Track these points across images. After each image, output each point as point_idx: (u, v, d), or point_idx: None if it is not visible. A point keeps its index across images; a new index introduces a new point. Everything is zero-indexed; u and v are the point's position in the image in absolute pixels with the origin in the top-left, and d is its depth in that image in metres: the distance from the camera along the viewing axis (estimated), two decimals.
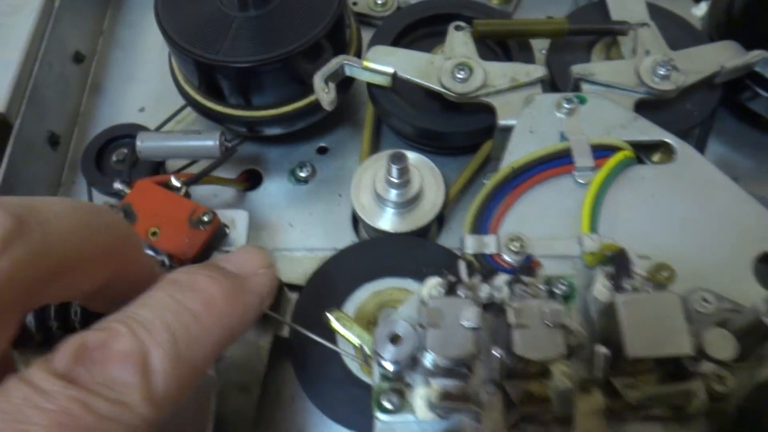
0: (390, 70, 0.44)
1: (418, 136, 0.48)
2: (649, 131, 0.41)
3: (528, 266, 0.35)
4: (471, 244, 0.37)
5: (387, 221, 0.43)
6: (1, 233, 0.20)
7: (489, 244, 0.37)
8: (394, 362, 0.31)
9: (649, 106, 0.45)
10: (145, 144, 0.44)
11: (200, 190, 0.49)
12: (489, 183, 0.39)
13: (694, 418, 0.33)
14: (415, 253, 0.41)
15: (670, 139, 0.41)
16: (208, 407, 0.34)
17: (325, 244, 0.46)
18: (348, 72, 0.45)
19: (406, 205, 0.42)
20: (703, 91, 0.46)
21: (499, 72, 0.44)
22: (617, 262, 0.33)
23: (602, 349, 0.29)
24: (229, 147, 0.44)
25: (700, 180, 0.40)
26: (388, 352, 0.30)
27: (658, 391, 0.30)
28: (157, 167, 0.48)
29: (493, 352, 0.30)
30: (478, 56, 0.45)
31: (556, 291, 0.35)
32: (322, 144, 0.51)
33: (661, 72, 0.43)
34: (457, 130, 0.46)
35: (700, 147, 0.48)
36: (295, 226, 0.48)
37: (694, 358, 0.29)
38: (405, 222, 0.43)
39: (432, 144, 0.49)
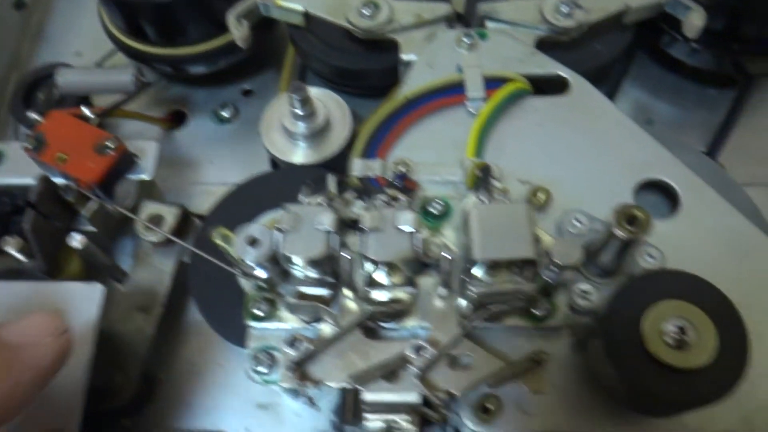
0: (300, 8, 0.45)
1: (337, 76, 0.49)
2: (546, 65, 0.42)
3: (401, 183, 0.36)
4: (357, 167, 0.38)
5: (299, 155, 0.44)
6: None
7: (374, 167, 0.38)
8: (257, 264, 0.32)
9: (559, 47, 0.45)
10: (64, 78, 0.45)
11: (127, 128, 0.50)
12: (380, 110, 0.40)
13: (556, 330, 0.34)
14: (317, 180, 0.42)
15: (565, 72, 0.42)
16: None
17: (243, 180, 0.47)
18: (263, 11, 0.46)
19: (314, 137, 0.43)
20: (614, 33, 0.46)
21: (406, 9, 0.45)
22: (480, 177, 0.34)
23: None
24: (143, 82, 0.46)
25: (590, 111, 0.40)
26: (248, 254, 0.31)
27: (497, 289, 0.31)
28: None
29: (342, 254, 0.31)
30: None
31: (432, 210, 0.36)
32: (247, 87, 0.53)
33: (564, 10, 0.43)
34: (372, 67, 0.47)
35: (613, 89, 0.49)
36: (215, 162, 0.49)
37: (534, 262, 0.30)
38: (315, 153, 0.44)
39: (352, 84, 0.50)
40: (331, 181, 0.35)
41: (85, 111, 0.43)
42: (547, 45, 0.45)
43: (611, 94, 0.48)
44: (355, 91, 0.50)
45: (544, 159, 0.39)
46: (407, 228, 0.31)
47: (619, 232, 0.31)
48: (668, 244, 0.36)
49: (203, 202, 0.46)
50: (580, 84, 0.41)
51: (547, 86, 0.42)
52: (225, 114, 0.51)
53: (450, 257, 0.30)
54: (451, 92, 0.40)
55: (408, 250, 0.31)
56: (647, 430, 0.32)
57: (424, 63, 0.42)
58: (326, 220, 0.31)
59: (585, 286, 0.34)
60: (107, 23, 0.49)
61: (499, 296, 0.31)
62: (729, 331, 0.28)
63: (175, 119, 0.52)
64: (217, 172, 0.49)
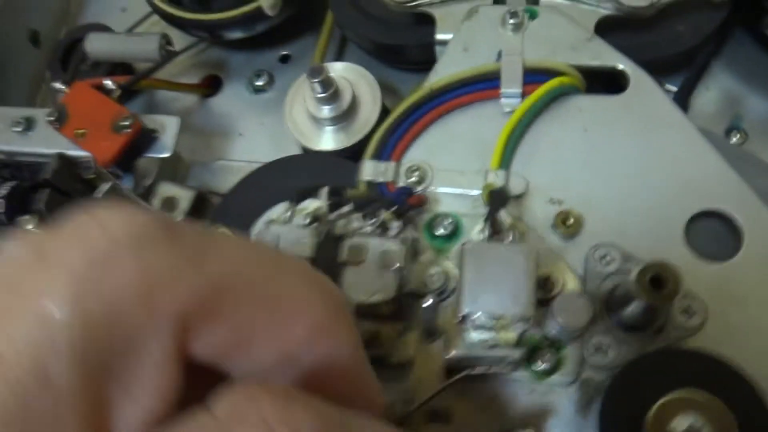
0: None
1: (377, 50, 0.44)
2: (603, 55, 0.35)
3: (401, 200, 0.32)
4: (367, 170, 0.35)
5: (327, 141, 0.41)
6: None
7: (386, 171, 0.34)
8: None
9: (630, 27, 0.38)
10: (92, 45, 0.44)
11: (162, 95, 0.49)
12: (401, 105, 0.36)
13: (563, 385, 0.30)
14: (340, 173, 0.39)
15: (624, 65, 0.35)
16: None
17: (269, 158, 0.45)
18: None
19: (342, 119, 0.40)
20: (703, 12, 0.38)
21: None
22: (491, 204, 0.30)
23: (428, 300, 0.27)
24: (169, 51, 0.44)
25: (648, 117, 0.34)
26: None
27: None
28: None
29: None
30: None
31: (439, 229, 0.32)
32: (285, 52, 0.49)
33: None
34: (412, 42, 0.42)
35: (695, 79, 0.41)
36: (245, 135, 0.47)
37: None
38: (345, 138, 0.40)
39: (393, 59, 0.45)
40: (323, 194, 0.31)
41: (108, 83, 0.42)
42: (616, 25, 0.38)
43: (693, 84, 0.41)
44: (399, 66, 0.45)
45: (585, 173, 0.33)
46: (392, 264, 0.27)
47: (642, 297, 0.26)
48: (720, 294, 0.30)
49: (222, 180, 0.44)
50: (642, 81, 0.35)
51: (605, 80, 0.36)
52: (259, 82, 0.48)
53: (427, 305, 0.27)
54: (484, 85, 0.35)
55: (390, 290, 0.27)
56: None
57: (459, 46, 0.37)
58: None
59: (602, 338, 0.29)
60: None
61: (475, 360, 0.27)
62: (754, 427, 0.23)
63: (212, 85, 0.49)
64: (245, 146, 0.46)
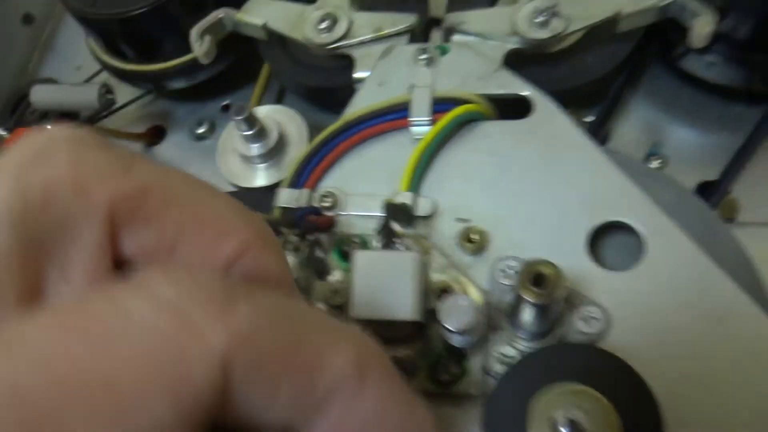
0: (260, 22, 0.43)
1: (310, 94, 0.46)
2: (508, 84, 0.37)
3: (306, 221, 0.32)
4: (282, 197, 0.35)
5: (261, 177, 0.42)
6: None
7: (299, 198, 0.35)
8: None
9: (543, 62, 0.40)
10: (36, 96, 0.46)
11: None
12: (317, 137, 0.37)
13: (469, 398, 0.30)
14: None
15: (528, 92, 0.36)
16: None
17: None
18: (227, 25, 0.45)
19: (271, 156, 0.41)
20: (612, 44, 0.40)
21: (366, 22, 0.41)
22: (386, 215, 0.30)
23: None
24: (109, 99, 0.45)
25: (552, 139, 0.35)
26: None
27: None
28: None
29: None
30: (354, 6, 0.42)
31: (348, 250, 0.33)
32: (226, 102, 0.51)
33: (539, 20, 0.38)
34: (339, 84, 0.44)
35: (611, 108, 0.43)
36: None
37: (420, 325, 0.26)
38: (276, 173, 0.42)
39: (327, 102, 0.47)
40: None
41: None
42: (528, 61, 0.40)
43: (609, 113, 0.42)
44: (333, 109, 0.47)
45: (491, 193, 0.34)
46: None
47: (525, 295, 0.26)
48: (623, 302, 0.30)
49: None
50: (545, 106, 0.36)
51: (519, 110, 0.37)
52: (201, 130, 0.50)
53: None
54: (395, 115, 0.37)
55: None
56: None
57: (375, 81, 0.39)
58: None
59: (506, 348, 0.29)
60: (90, 42, 0.50)
61: None
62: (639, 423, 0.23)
63: (156, 134, 0.51)
64: None
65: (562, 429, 0.23)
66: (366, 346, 0.19)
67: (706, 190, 0.40)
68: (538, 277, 0.26)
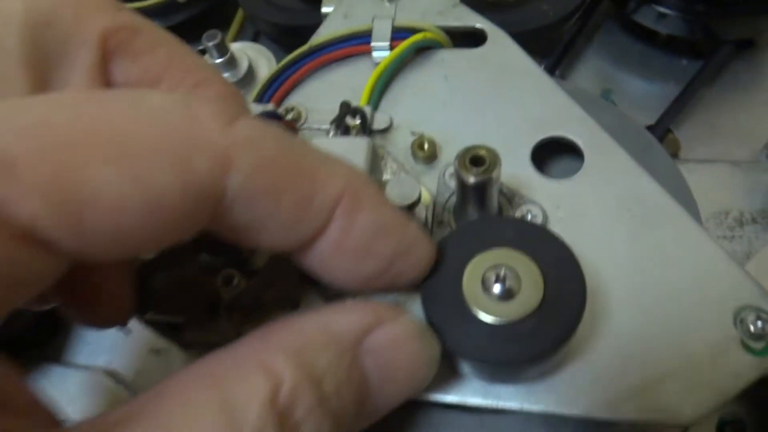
0: None
1: (282, 35, 0.48)
2: (465, 18, 0.39)
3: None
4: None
5: None
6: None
7: (264, 111, 0.37)
8: None
9: (502, 7, 0.43)
10: None
11: None
12: (285, 58, 0.39)
13: None
14: None
15: (483, 24, 0.39)
16: None
17: None
18: None
19: (241, 85, 0.43)
20: None
21: None
22: (340, 111, 0.32)
23: None
24: None
25: (503, 66, 0.37)
26: None
27: None
28: None
29: None
30: None
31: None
32: (201, 47, 0.53)
33: None
34: (310, 23, 0.46)
35: (563, 53, 0.45)
36: None
37: None
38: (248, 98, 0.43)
39: (298, 43, 0.49)
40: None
41: None
42: (487, 6, 0.42)
43: (560, 60, 0.45)
44: None
45: (444, 113, 0.36)
46: None
47: (464, 175, 0.28)
48: (562, 205, 0.32)
49: None
50: (498, 37, 0.38)
51: (470, 42, 0.40)
52: None
53: None
54: (357, 41, 0.39)
55: None
56: None
57: (341, 14, 0.41)
58: None
59: None
60: None
61: None
62: (561, 282, 0.25)
63: None
64: None
65: (493, 284, 0.24)
66: (359, 174, 0.21)
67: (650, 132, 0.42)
68: (475, 158, 0.27)
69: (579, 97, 0.36)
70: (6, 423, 0.15)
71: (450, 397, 0.27)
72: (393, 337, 0.21)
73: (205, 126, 0.17)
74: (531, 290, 0.24)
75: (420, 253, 0.23)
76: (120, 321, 0.23)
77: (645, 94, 0.45)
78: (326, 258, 0.20)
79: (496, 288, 0.24)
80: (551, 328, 0.24)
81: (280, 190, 0.18)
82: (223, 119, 0.18)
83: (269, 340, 0.19)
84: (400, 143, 0.35)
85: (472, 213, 0.30)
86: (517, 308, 0.24)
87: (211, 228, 0.18)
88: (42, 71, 0.20)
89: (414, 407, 0.30)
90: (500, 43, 0.38)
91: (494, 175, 0.27)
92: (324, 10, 0.42)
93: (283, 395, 0.17)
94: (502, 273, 0.24)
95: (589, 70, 0.46)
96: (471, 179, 0.27)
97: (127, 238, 0.16)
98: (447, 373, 0.27)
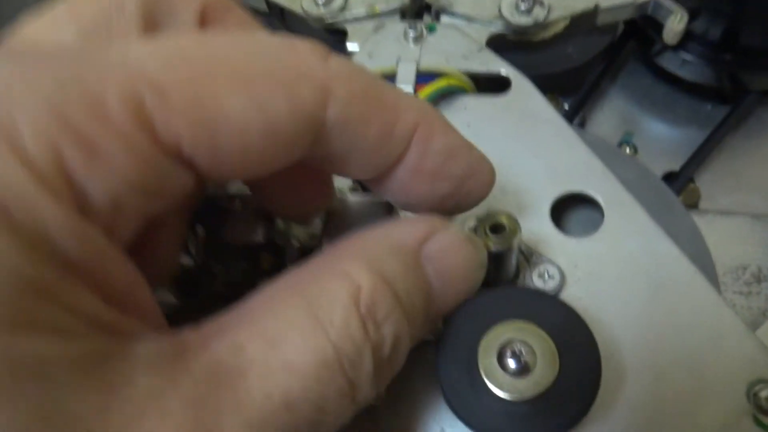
0: None
1: None
2: (489, 63, 0.39)
3: None
4: None
5: None
6: None
7: None
8: None
9: (526, 48, 0.43)
10: None
11: None
12: None
13: None
14: None
15: (507, 71, 0.39)
16: None
17: None
18: None
19: None
20: (591, 36, 0.43)
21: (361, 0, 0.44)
22: None
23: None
24: None
25: (525, 115, 0.37)
26: None
27: None
28: None
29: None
30: None
31: None
32: None
33: (523, 7, 0.41)
34: None
35: (587, 96, 0.45)
36: None
37: None
38: None
39: None
40: None
41: None
42: (512, 46, 0.42)
43: (583, 101, 0.45)
44: None
45: None
46: None
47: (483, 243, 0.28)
48: (580, 265, 0.32)
49: None
50: (522, 85, 0.38)
51: (493, 87, 0.40)
52: None
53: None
54: None
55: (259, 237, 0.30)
56: None
57: (365, 53, 0.41)
58: None
59: None
60: None
61: None
62: (576, 355, 0.25)
63: None
64: None
65: (507, 359, 0.25)
66: (429, 107, 0.24)
67: (671, 179, 0.42)
68: (495, 226, 0.28)
69: (599, 148, 0.36)
70: (127, 321, 0.17)
71: None
72: (448, 243, 0.23)
73: (308, 60, 0.20)
74: (546, 367, 0.25)
75: (485, 172, 0.26)
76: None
77: (667, 137, 0.45)
78: (405, 182, 0.23)
79: (512, 363, 0.25)
80: (564, 410, 0.24)
81: (369, 119, 0.21)
82: (321, 55, 0.20)
83: (342, 252, 0.21)
84: None
85: (490, 276, 0.30)
86: (533, 386, 0.24)
87: (311, 154, 0.21)
88: (152, 32, 0.22)
89: None
90: (524, 91, 0.38)
91: (514, 244, 0.28)
92: (349, 47, 0.42)
93: (364, 298, 0.19)
94: (518, 348, 0.25)
95: (613, 110, 0.46)
96: (491, 247, 0.28)
97: (249, 158, 0.19)
98: None
